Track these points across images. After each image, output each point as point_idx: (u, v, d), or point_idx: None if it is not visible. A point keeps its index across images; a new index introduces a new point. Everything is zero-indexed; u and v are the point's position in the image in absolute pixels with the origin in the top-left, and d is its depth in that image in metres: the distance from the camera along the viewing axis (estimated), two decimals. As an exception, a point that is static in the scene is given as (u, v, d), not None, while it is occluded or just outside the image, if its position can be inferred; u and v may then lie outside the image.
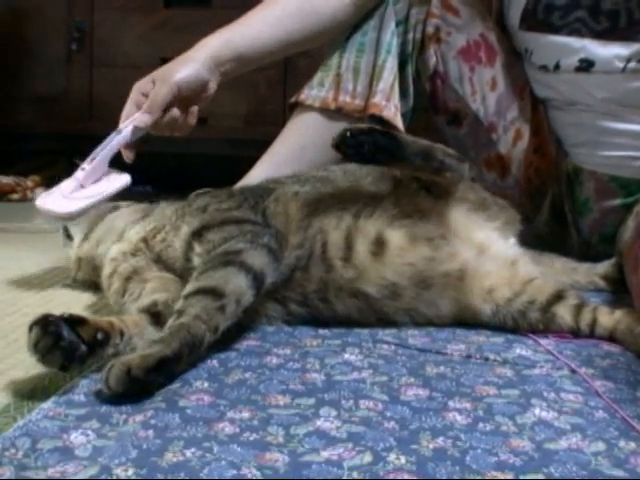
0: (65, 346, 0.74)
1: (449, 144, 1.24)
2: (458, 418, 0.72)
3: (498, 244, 1.05)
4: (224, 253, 0.92)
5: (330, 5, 1.33)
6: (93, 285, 1.13)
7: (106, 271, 1.03)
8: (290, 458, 0.63)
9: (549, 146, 1.43)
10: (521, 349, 0.94)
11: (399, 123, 1.34)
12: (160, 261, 1.01)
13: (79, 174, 1.14)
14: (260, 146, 1.40)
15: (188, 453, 0.63)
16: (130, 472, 0.60)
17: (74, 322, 0.76)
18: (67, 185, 1.14)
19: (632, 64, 1.26)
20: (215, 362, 0.86)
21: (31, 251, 1.45)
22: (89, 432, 0.66)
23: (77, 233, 1.16)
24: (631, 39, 1.26)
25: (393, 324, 1.00)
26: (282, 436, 0.67)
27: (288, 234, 0.99)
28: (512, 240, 1.11)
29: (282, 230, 0.99)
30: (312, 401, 0.75)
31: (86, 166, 1.14)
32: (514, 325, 1.00)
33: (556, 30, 1.32)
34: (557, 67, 1.34)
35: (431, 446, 0.66)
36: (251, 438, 0.66)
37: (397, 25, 1.36)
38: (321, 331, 0.99)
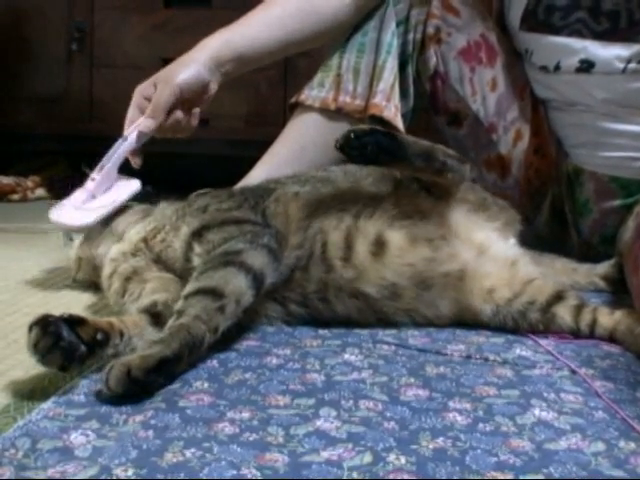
0: (65, 346, 0.74)
1: (449, 145, 1.25)
2: (458, 418, 0.72)
3: (498, 245, 1.05)
4: (224, 253, 0.92)
5: (330, 5, 1.33)
6: (93, 285, 1.13)
7: (106, 271, 1.03)
8: (290, 458, 0.63)
9: (549, 147, 1.43)
10: (521, 349, 0.94)
11: (399, 123, 1.34)
12: (160, 261, 1.01)
13: (90, 185, 1.15)
14: (260, 146, 1.40)
15: (188, 453, 0.63)
16: (130, 472, 0.60)
17: (74, 322, 0.76)
18: (78, 196, 1.15)
19: (632, 65, 1.26)
20: (215, 362, 0.86)
21: (31, 251, 1.44)
22: (89, 432, 0.66)
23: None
24: (631, 40, 1.26)
25: (393, 324, 1.00)
26: (282, 436, 0.67)
27: (288, 234, 0.99)
28: (512, 241, 1.11)
29: (282, 230, 0.99)
30: (312, 401, 0.75)
31: (96, 176, 1.15)
32: (514, 325, 1.00)
33: (557, 31, 1.32)
34: (557, 68, 1.34)
35: (431, 446, 0.66)
36: (251, 438, 0.66)
37: (397, 25, 1.36)
38: (321, 331, 0.99)
